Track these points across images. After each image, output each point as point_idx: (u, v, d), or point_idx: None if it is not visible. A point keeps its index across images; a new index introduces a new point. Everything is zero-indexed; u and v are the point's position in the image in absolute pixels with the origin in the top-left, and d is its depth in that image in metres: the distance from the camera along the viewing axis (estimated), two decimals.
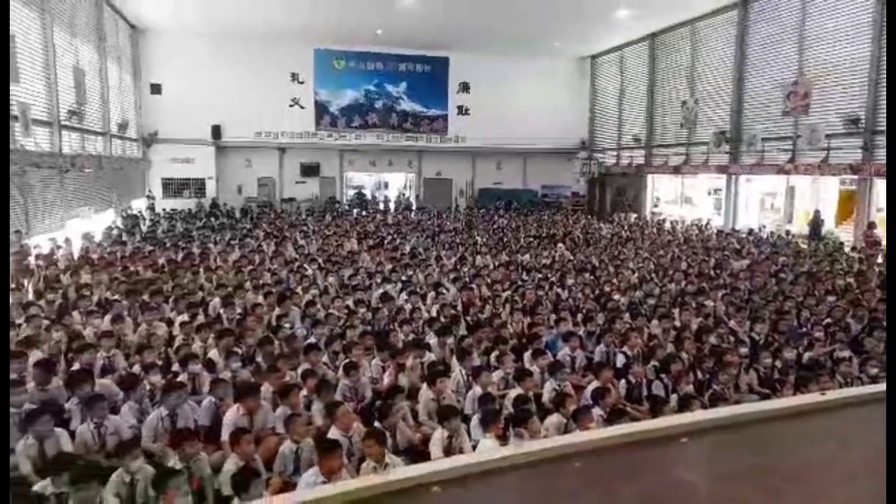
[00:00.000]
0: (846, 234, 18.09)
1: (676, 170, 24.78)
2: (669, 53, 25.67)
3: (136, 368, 6.59)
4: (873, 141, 16.63)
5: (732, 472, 3.22)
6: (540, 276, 11.93)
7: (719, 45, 22.65)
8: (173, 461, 4.61)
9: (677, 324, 8.46)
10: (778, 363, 7.09)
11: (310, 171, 29.50)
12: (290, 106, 28.63)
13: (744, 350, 7.54)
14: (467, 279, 11.40)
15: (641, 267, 13.09)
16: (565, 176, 31.92)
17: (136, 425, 5.50)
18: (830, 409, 3.98)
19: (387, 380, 6.67)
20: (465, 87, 30.84)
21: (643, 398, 6.58)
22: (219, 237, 17.15)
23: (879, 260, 14.29)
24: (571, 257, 14.58)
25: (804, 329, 8.58)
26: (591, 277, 11.73)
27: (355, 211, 27.33)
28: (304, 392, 5.99)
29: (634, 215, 26.42)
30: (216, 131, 26.98)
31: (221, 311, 8.87)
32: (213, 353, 7.01)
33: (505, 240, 17.49)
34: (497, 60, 29.10)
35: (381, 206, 29.29)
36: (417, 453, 5.28)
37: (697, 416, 3.87)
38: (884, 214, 19.28)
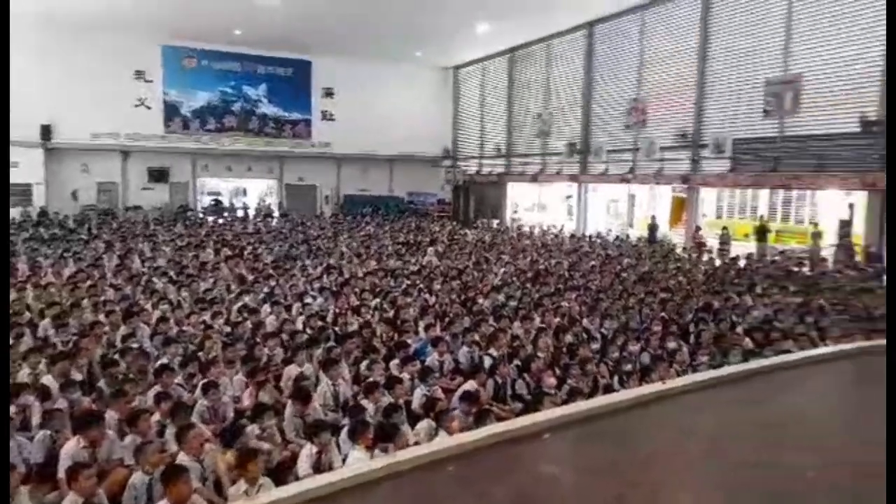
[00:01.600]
0: (678, 237, 20.24)
1: (533, 178, 26.25)
2: (526, 68, 27.19)
3: None
4: (699, 154, 18.79)
5: (592, 464, 3.46)
6: (408, 282, 12.01)
7: (570, 62, 24.38)
8: None
9: (539, 324, 8.91)
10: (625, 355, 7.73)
11: (158, 176, 27.38)
12: (135, 106, 26.43)
13: (595, 346, 8.13)
14: (335, 288, 11.18)
15: (504, 271, 13.66)
16: (431, 183, 32.52)
17: None
18: (670, 396, 4.41)
19: (247, 400, 6.32)
20: (328, 92, 30.40)
21: (508, 397, 6.86)
22: (50, 250, 15.31)
23: (705, 258, 16.13)
24: (438, 263, 14.85)
25: (645, 324, 9.44)
26: (458, 282, 12.02)
27: (211, 219, 25.75)
28: (156, 417, 5.51)
29: (496, 221, 27.56)
30: (46, 131, 24.12)
31: (51, 332, 7.92)
32: (47, 380, 6.23)
33: (372, 247, 17.41)
34: (361, 66, 29.01)
35: (240, 214, 27.90)
36: (285, 472, 5.07)
37: (557, 412, 4.10)
38: (709, 219, 21.87)
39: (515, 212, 29.38)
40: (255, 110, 29.43)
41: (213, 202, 28.98)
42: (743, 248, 17.67)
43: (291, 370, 6.88)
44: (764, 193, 21.59)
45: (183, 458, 4.64)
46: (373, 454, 4.81)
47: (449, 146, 32.73)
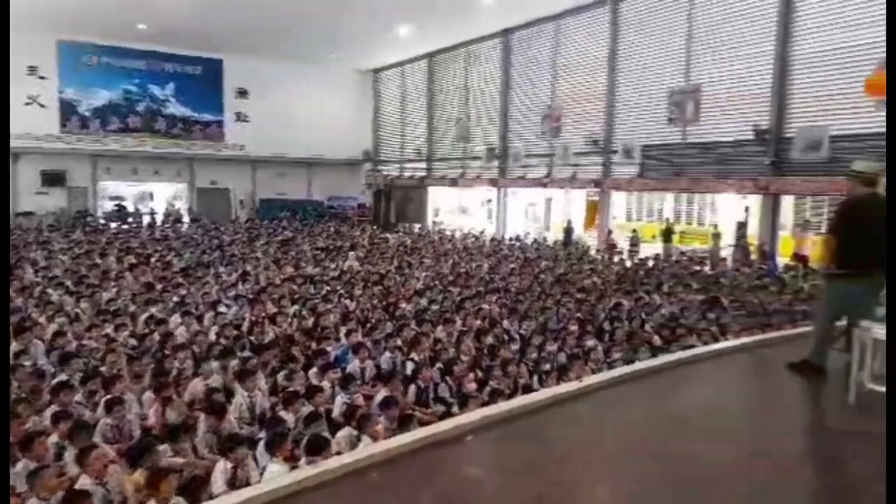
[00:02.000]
0: (592, 240, 21.05)
1: (454, 182, 26.51)
2: (446, 73, 27.45)
3: None
4: (610, 160, 19.63)
5: (513, 465, 3.52)
6: (328, 288, 11.79)
7: (488, 68, 24.84)
8: None
9: (461, 327, 8.96)
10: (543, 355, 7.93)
11: (54, 179, 25.48)
12: (27, 104, 24.45)
13: (515, 347, 8.29)
14: (250, 296, 10.80)
15: (426, 275, 13.68)
16: (351, 187, 32.15)
17: None
18: (586, 393, 4.56)
19: (153, 417, 5.96)
20: (242, 93, 29.41)
21: (430, 401, 6.86)
22: None
23: (616, 259, 16.86)
24: (360, 268, 14.68)
25: (562, 324, 9.72)
26: (380, 288, 11.92)
27: (113, 225, 24.22)
28: (53, 438, 5.10)
29: (418, 225, 27.59)
30: None
31: None
32: None
33: (290, 253, 16.97)
34: (276, 66, 28.28)
35: (147, 220, 26.41)
36: (198, 490, 4.82)
37: (478, 414, 4.16)
38: (620, 221, 22.84)
39: (437, 216, 29.53)
40: (161, 110, 28.03)
41: (115, 207, 27.26)
42: (651, 249, 18.62)
43: (196, 385, 6.56)
44: (669, 197, 22.87)
45: (85, 482, 4.32)
46: (294, 466, 4.67)
47: (369, 149, 32.47)
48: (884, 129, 12.91)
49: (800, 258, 15.21)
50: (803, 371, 4.83)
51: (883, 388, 4.00)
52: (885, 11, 12.96)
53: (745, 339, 6.50)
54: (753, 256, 16.12)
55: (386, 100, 32.07)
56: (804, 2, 14.79)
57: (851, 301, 4.64)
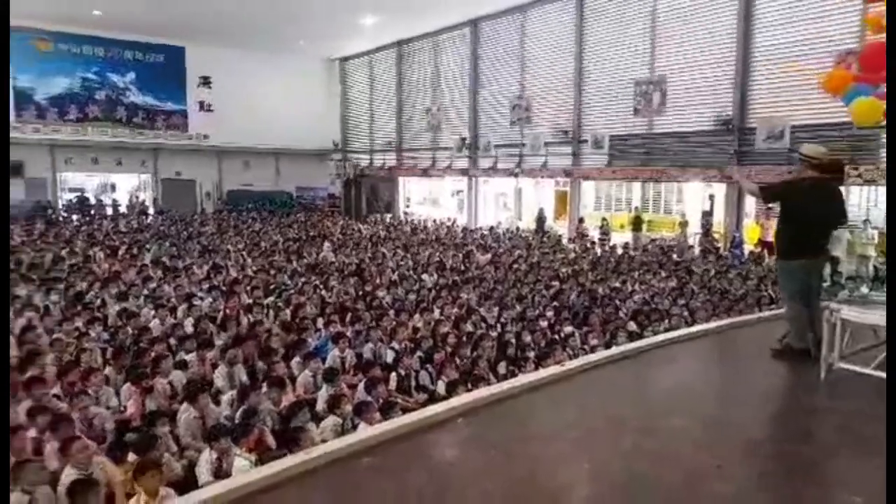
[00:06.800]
0: (562, 229, 21.32)
1: (425, 172, 26.47)
2: (414, 62, 27.28)
3: None
4: (580, 150, 19.86)
5: (501, 444, 3.62)
6: (303, 279, 11.72)
7: (457, 58, 24.79)
8: None
9: (437, 316, 9.04)
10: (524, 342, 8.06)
11: (11, 170, 24.55)
12: None
13: (494, 334, 8.40)
14: (224, 287, 10.67)
15: (401, 265, 13.70)
16: (320, 177, 31.82)
17: None
18: (569, 376, 4.68)
19: (132, 408, 5.90)
20: (206, 81, 28.78)
21: (412, 388, 6.93)
22: None
23: (588, 248, 17.12)
24: (334, 259, 14.61)
25: (538, 311, 9.87)
26: (356, 278, 11.90)
27: (75, 217, 23.57)
28: (31, 433, 5.01)
29: (389, 215, 27.51)
30: None
31: None
32: None
33: (262, 244, 16.78)
34: (241, 55, 27.73)
35: (109, 212, 25.76)
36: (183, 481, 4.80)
37: (468, 397, 4.24)
38: (589, 210, 23.14)
39: (408, 206, 29.46)
40: (122, 99, 27.28)
41: (76, 198, 26.50)
42: (620, 237, 18.94)
43: (175, 376, 6.51)
44: (637, 186, 23.27)
45: (70, 473, 4.28)
46: (259, 457, 4.71)
47: (338, 139, 32.16)
48: (841, 120, 13.45)
49: (764, 245, 15.68)
50: (787, 357, 4.88)
51: (851, 367, 4.22)
52: (843, 7, 13.60)
53: (716, 323, 6.73)
54: (719, 244, 16.55)
55: (354, 89, 31.75)
56: None
57: (801, 281, 4.79)
